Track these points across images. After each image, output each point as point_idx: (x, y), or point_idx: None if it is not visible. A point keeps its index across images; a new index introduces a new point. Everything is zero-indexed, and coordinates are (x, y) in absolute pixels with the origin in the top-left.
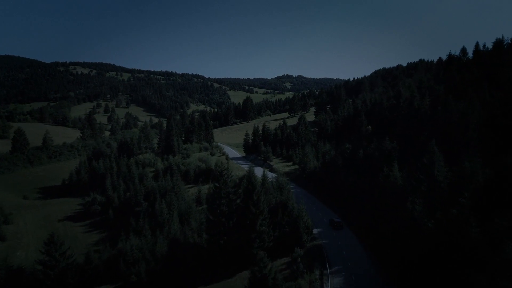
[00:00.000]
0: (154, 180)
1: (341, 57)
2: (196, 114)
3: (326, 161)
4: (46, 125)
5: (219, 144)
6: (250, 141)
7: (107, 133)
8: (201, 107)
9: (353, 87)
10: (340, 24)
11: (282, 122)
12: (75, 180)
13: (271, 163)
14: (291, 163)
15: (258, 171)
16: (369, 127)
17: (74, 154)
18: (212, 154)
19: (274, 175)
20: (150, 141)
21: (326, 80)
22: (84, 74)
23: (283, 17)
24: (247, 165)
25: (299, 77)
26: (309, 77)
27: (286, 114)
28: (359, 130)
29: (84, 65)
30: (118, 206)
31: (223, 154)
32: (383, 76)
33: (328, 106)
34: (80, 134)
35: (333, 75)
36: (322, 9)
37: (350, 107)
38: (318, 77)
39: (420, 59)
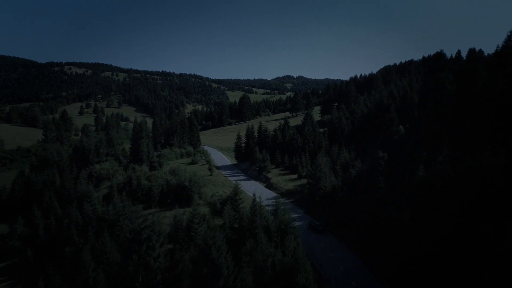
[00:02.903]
0: (105, 201)
1: (342, 58)
2: (188, 114)
3: (352, 178)
4: (12, 126)
5: (206, 148)
6: (243, 145)
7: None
8: (198, 107)
9: (361, 84)
10: (341, 25)
11: (283, 122)
12: (5, 199)
13: (269, 175)
14: (295, 176)
15: (251, 186)
16: (401, 127)
17: (31, 160)
18: (194, 162)
19: (273, 194)
20: (114, 146)
21: (327, 81)
22: (79, 74)
23: (283, 18)
24: (237, 177)
25: (300, 77)
26: (310, 77)
27: (287, 114)
28: (388, 131)
29: (80, 65)
30: (46, 243)
31: (208, 162)
32: (399, 70)
33: (336, 104)
34: (43, 137)
35: (334, 76)
36: (322, 10)
37: (367, 103)
38: (319, 78)
39: (437, 52)
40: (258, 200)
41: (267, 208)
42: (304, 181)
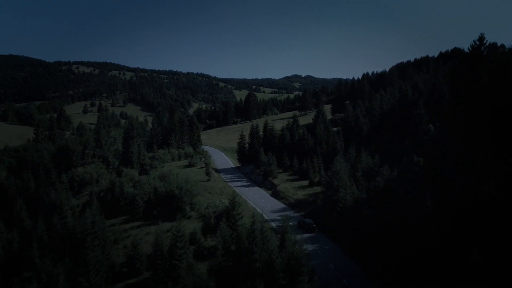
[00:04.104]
0: (83, 212)
1: (350, 57)
2: (192, 113)
3: (380, 189)
4: (8, 125)
5: (208, 149)
6: (247, 145)
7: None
8: (204, 106)
9: (373, 81)
10: (348, 25)
11: (291, 121)
12: None
13: (275, 180)
14: (306, 182)
15: (254, 195)
16: (430, 125)
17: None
18: (191, 165)
19: (280, 204)
20: (103, 146)
21: (336, 80)
22: (86, 73)
23: (291, 17)
24: (239, 183)
25: (308, 76)
26: (319, 77)
27: (296, 113)
28: (417, 130)
29: (87, 64)
30: (5, 263)
31: (206, 165)
32: (416, 66)
33: (348, 102)
34: (34, 136)
35: (342, 75)
36: (330, 9)
37: (385, 99)
38: (328, 77)
39: (455, 47)
40: (260, 218)
41: (272, 224)
42: (317, 189)
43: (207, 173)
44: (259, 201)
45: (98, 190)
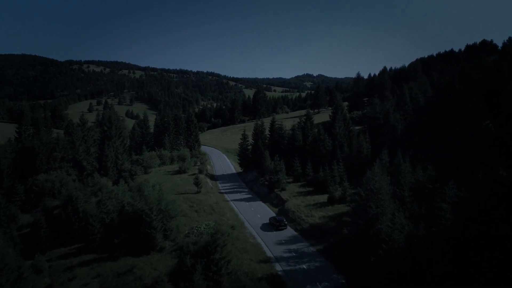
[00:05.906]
0: (25, 237)
1: (361, 57)
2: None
3: (446, 222)
4: None
5: (210, 150)
6: (250, 147)
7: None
8: (209, 104)
9: (392, 77)
10: (355, 26)
11: (304, 119)
12: None
13: (283, 194)
14: (324, 197)
15: (255, 213)
16: (488, 122)
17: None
18: (182, 171)
19: (290, 231)
20: (76, 148)
21: (348, 79)
22: (96, 72)
23: (303, 17)
24: (238, 195)
25: (320, 75)
26: (331, 76)
27: (309, 110)
28: (471, 129)
29: (98, 63)
30: None
31: (201, 171)
32: (445, 59)
33: (366, 99)
34: (16, 135)
35: (355, 75)
36: (343, 7)
37: (414, 93)
38: (340, 77)
39: (483, 40)
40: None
41: (277, 267)
42: (339, 207)
43: (196, 183)
44: (261, 222)
45: (53, 205)
